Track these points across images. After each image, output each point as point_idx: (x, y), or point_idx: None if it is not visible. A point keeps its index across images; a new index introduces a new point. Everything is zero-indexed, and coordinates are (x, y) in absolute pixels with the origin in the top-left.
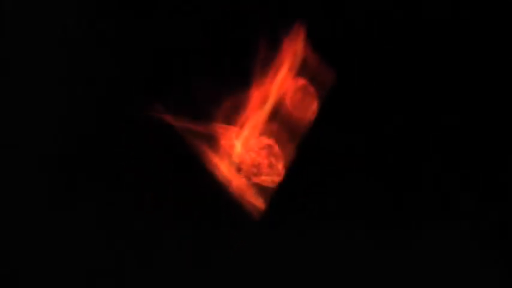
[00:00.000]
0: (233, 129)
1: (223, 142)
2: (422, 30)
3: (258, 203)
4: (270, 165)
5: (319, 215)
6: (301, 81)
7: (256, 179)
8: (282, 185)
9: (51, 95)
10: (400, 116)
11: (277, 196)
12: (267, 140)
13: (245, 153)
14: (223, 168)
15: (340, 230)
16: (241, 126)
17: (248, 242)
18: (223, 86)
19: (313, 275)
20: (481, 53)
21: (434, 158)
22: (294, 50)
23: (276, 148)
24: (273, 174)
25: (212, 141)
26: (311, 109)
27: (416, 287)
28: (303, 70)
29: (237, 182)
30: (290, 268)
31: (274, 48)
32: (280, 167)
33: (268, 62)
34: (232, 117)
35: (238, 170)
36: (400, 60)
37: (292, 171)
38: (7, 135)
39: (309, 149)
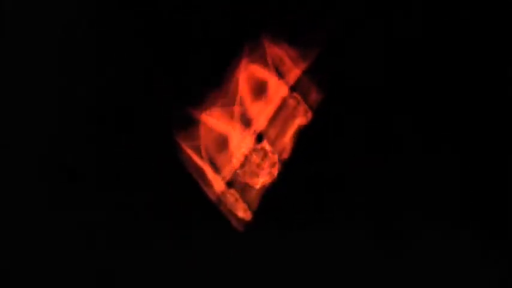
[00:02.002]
0: (230, 130)
1: (220, 143)
2: (421, 31)
3: (245, 214)
4: (264, 168)
5: (313, 217)
6: (300, 83)
7: (250, 181)
8: (275, 188)
9: (50, 95)
10: (399, 116)
11: (270, 198)
12: (262, 143)
13: (240, 155)
14: (220, 170)
15: (337, 230)
16: (237, 128)
17: (240, 245)
18: (222, 87)
19: (308, 277)
20: (481, 53)
21: (434, 158)
22: (294, 52)
23: (271, 151)
24: (267, 177)
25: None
26: (307, 111)
27: (416, 287)
28: (302, 72)
29: (229, 189)
30: (284, 270)
31: (274, 49)
32: (274, 169)
33: (267, 64)
34: (229, 118)
35: (234, 172)
36: (400, 60)
37: (287, 173)
38: (7, 135)
39: (304, 151)
